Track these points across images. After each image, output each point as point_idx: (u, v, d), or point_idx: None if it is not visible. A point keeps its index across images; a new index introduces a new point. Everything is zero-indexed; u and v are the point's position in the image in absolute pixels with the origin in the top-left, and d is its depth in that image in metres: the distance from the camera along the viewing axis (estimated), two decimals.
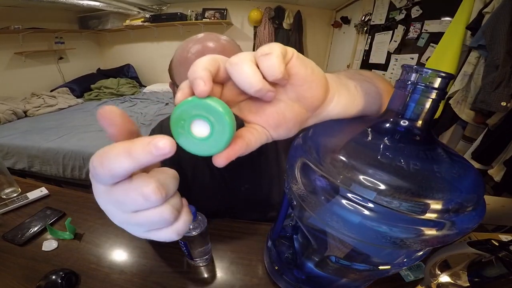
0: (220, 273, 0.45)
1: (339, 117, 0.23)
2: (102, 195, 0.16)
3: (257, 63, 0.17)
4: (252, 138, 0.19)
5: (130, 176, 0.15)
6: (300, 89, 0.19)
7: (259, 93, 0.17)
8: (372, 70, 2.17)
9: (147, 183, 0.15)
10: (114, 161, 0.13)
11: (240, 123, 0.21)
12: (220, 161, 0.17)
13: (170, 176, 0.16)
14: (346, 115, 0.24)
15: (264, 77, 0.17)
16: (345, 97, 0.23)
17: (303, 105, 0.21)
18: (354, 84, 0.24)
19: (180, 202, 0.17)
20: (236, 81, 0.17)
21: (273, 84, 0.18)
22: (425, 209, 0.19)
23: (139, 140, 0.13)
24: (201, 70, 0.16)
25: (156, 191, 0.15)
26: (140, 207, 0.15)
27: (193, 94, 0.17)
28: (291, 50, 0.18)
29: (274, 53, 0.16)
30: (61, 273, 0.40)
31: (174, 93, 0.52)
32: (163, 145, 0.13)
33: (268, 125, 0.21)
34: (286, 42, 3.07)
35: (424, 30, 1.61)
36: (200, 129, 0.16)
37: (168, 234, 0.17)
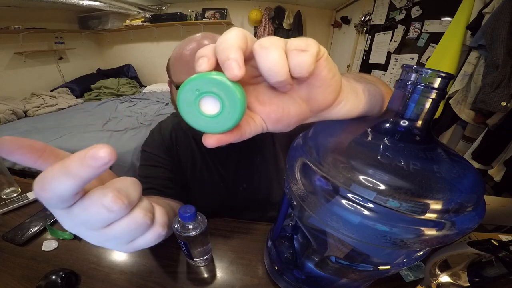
0: (220, 273, 0.45)
1: (341, 118, 0.23)
2: (65, 220, 0.14)
3: (287, 54, 0.16)
4: (248, 129, 0.19)
5: (85, 192, 0.14)
6: (316, 90, 0.19)
7: (279, 84, 0.16)
8: (372, 70, 2.18)
9: (104, 194, 0.14)
10: (55, 183, 0.12)
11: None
12: (210, 142, 0.17)
13: (129, 182, 0.16)
14: (348, 117, 0.24)
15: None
16: (352, 102, 0.22)
17: (310, 106, 0.20)
18: (362, 88, 0.24)
19: (150, 204, 0.17)
20: (261, 65, 0.16)
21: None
22: (425, 209, 0.19)
23: (74, 155, 0.12)
24: (235, 50, 0.15)
25: (115, 199, 0.14)
26: (107, 220, 0.14)
27: (217, 63, 0.16)
28: (323, 50, 0.17)
29: (310, 52, 0.16)
30: (61, 273, 0.40)
31: (172, 90, 0.52)
32: (103, 154, 0.12)
33: (269, 118, 0.20)
34: None
35: (424, 30, 1.61)
36: (210, 106, 0.16)
37: (155, 235, 0.17)
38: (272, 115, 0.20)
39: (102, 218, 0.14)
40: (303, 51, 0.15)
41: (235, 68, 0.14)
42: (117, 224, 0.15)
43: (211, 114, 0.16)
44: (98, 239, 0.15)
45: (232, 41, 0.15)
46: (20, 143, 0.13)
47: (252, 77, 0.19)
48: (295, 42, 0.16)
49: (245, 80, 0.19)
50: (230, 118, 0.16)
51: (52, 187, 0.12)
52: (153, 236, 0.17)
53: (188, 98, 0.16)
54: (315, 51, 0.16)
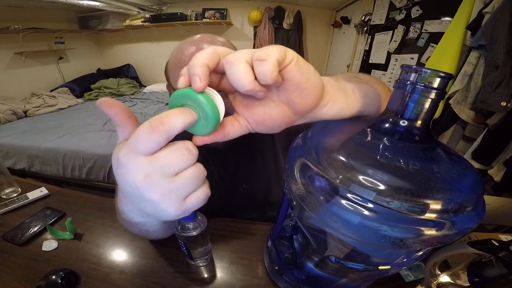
0: (220, 273, 0.45)
1: (332, 119, 0.24)
2: (144, 166, 0.18)
3: (254, 67, 0.17)
4: (232, 130, 0.22)
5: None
6: (291, 94, 0.20)
7: (249, 92, 0.18)
8: (372, 70, 2.18)
9: (184, 142, 0.19)
10: (176, 118, 0.17)
11: (231, 110, 0.23)
12: (196, 142, 0.20)
13: None
14: (340, 117, 0.24)
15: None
16: (340, 103, 0.23)
17: (291, 109, 0.21)
18: (352, 88, 0.24)
19: None
20: (229, 79, 0.18)
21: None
22: (425, 209, 0.19)
23: (185, 107, 0.18)
24: (199, 66, 0.17)
25: (194, 145, 0.19)
26: (185, 163, 0.19)
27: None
28: (291, 55, 0.18)
29: (269, 60, 0.17)
30: (61, 273, 0.40)
31: (171, 93, 0.51)
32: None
33: (252, 120, 0.22)
34: (286, 42, 3.07)
35: (424, 30, 1.61)
36: None
37: (205, 191, 0.21)
38: (255, 117, 0.22)
39: (182, 160, 0.18)
40: (263, 61, 0.17)
41: (197, 81, 0.17)
42: (186, 171, 0.19)
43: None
44: (166, 188, 0.18)
45: (198, 59, 0.18)
46: (116, 103, 0.19)
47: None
48: (257, 53, 0.17)
49: (229, 88, 0.21)
50: (207, 125, 0.19)
51: (172, 120, 0.17)
52: (203, 193, 0.21)
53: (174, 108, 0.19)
54: (275, 59, 0.17)
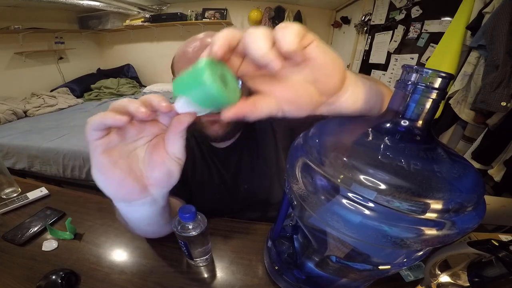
0: (220, 273, 0.45)
1: (349, 111, 0.24)
2: None
3: (274, 36, 0.18)
4: (263, 105, 0.21)
5: None
6: (318, 73, 0.21)
7: (264, 59, 0.18)
8: (372, 70, 2.18)
9: None
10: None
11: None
12: (228, 115, 0.20)
13: None
14: (355, 109, 0.25)
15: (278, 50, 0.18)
16: (361, 90, 0.24)
17: (318, 89, 0.22)
18: (369, 84, 0.26)
19: None
20: (246, 46, 0.18)
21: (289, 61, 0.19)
22: (426, 209, 0.19)
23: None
24: (219, 39, 0.19)
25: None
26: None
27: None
28: (312, 36, 0.19)
29: (291, 28, 0.18)
30: (61, 273, 0.40)
31: None
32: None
33: (281, 98, 0.22)
34: None
35: (424, 30, 1.61)
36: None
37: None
38: (283, 94, 0.22)
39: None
40: (285, 27, 0.18)
41: (214, 47, 0.18)
42: None
43: (225, 86, 0.20)
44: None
45: (219, 36, 0.19)
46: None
47: (255, 69, 0.21)
48: (279, 24, 0.18)
49: (250, 72, 0.22)
50: (234, 88, 0.21)
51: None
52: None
53: (214, 75, 0.19)
54: (297, 29, 0.18)
